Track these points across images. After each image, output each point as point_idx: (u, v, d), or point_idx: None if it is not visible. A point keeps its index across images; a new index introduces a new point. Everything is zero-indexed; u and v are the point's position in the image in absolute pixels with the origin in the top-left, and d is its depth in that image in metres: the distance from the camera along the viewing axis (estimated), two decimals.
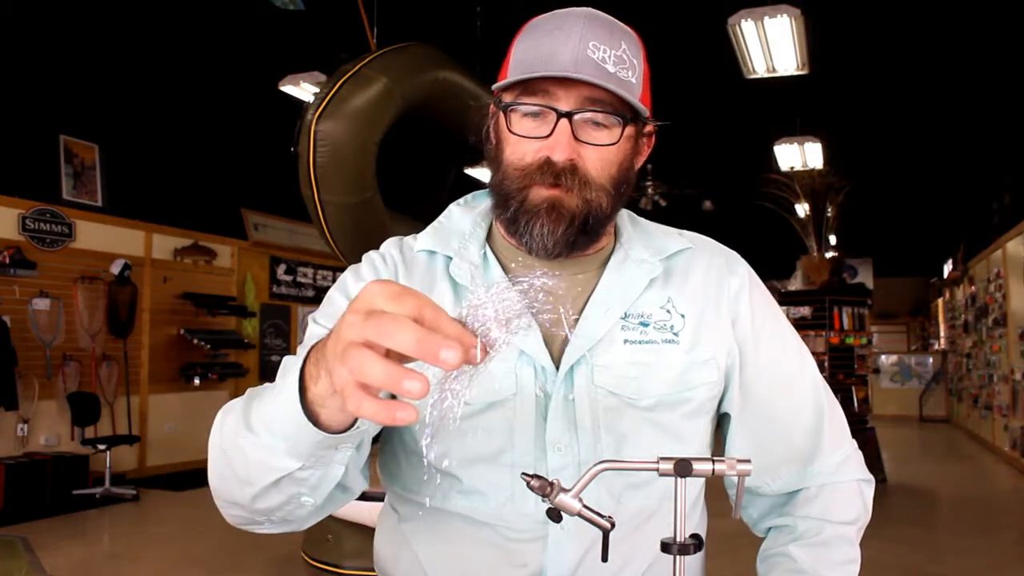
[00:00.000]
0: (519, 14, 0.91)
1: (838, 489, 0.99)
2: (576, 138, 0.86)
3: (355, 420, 0.67)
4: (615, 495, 0.91)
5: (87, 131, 6.98)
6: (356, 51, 3.74)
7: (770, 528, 1.03)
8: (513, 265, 0.96)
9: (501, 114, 0.90)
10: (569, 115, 0.85)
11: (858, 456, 1.03)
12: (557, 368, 0.90)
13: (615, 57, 0.85)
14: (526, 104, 0.87)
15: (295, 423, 0.66)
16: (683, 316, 0.95)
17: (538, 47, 0.87)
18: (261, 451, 0.71)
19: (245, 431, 0.73)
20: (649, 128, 0.94)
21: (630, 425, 0.91)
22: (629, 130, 0.89)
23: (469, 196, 1.05)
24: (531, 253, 0.91)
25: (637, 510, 0.92)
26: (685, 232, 1.04)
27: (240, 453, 0.74)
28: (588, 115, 0.86)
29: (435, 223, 1.02)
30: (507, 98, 0.89)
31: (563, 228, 0.88)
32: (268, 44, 6.12)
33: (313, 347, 0.64)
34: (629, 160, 0.92)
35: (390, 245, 1.02)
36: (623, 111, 0.87)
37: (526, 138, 0.88)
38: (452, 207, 1.04)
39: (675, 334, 0.93)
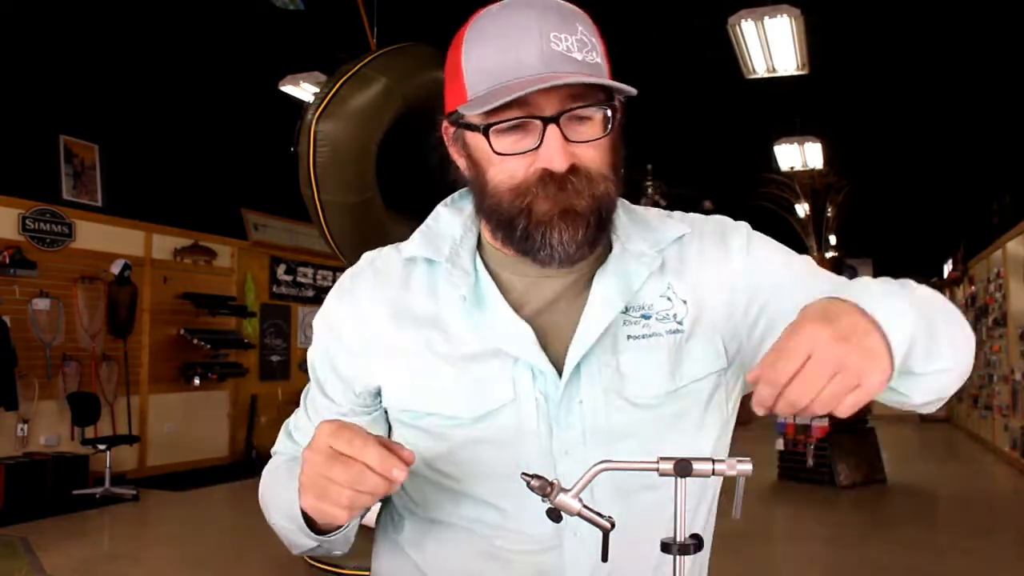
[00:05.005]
0: None
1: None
2: (567, 139, 0.80)
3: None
4: (627, 493, 0.88)
5: (87, 131, 6.98)
6: (356, 51, 3.74)
7: None
8: (505, 274, 0.91)
9: (475, 136, 0.83)
10: (556, 119, 0.79)
11: None
12: (559, 371, 0.86)
13: (577, 43, 0.79)
14: (508, 120, 0.79)
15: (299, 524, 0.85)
16: (685, 302, 0.90)
17: (497, 53, 0.79)
18: (287, 527, 0.89)
19: (273, 508, 0.94)
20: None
21: (641, 424, 0.87)
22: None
23: (456, 195, 0.98)
24: (548, 264, 0.85)
25: (650, 507, 0.89)
26: (683, 215, 0.98)
27: (275, 511, 0.93)
28: (572, 113, 0.80)
29: (423, 227, 0.96)
30: (477, 118, 0.81)
31: (582, 231, 0.82)
32: (268, 44, 6.12)
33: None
34: (618, 138, 0.86)
35: (388, 254, 0.97)
36: (603, 98, 0.81)
37: (513, 156, 0.81)
38: (439, 208, 0.98)
39: (679, 323, 0.89)
